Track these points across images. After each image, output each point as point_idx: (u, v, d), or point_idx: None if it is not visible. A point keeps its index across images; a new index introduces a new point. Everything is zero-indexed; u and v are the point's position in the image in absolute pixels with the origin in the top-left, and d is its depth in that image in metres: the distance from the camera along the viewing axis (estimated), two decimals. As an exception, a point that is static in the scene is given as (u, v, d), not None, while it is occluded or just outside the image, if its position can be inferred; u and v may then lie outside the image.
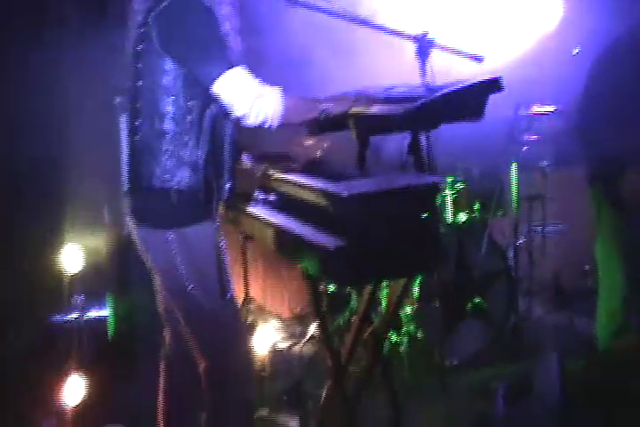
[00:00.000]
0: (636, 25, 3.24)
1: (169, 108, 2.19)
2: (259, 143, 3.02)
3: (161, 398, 2.54)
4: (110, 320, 3.86)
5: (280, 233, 2.26)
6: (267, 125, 2.19)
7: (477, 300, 3.79)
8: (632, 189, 3.14)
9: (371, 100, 2.29)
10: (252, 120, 2.17)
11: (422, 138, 2.32)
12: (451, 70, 2.38)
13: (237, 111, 2.15)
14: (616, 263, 3.29)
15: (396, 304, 2.51)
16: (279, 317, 4.59)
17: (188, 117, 2.20)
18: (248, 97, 2.13)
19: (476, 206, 4.00)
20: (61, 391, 3.17)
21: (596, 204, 3.38)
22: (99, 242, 3.88)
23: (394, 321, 3.39)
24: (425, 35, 2.34)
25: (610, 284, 3.34)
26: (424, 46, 2.33)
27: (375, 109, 2.23)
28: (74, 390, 3.21)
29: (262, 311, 4.63)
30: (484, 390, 1.74)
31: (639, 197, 3.14)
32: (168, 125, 2.20)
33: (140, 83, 2.23)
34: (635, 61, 3.08)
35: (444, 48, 2.37)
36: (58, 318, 3.71)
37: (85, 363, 3.45)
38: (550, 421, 1.51)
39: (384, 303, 3.67)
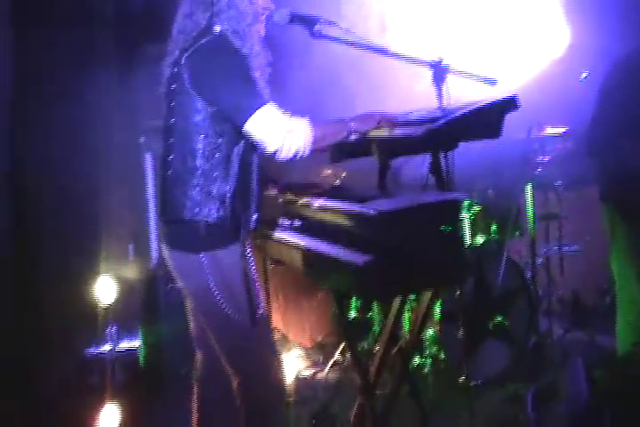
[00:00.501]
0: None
1: (200, 146, 2.29)
2: (282, 172, 3.12)
3: (194, 421, 2.59)
4: (142, 351, 3.92)
5: (308, 254, 2.35)
6: (298, 157, 2.28)
7: (499, 319, 3.83)
8: None
9: (392, 122, 2.38)
10: (284, 155, 2.26)
11: (442, 158, 2.41)
12: (466, 94, 2.47)
13: (270, 148, 2.24)
14: (633, 277, 3.35)
15: (422, 323, 2.57)
16: (301, 346, 4.63)
17: (217, 154, 2.30)
18: (279, 133, 2.22)
19: (493, 228, 4.06)
20: (96, 422, 3.21)
21: (609, 220, 3.45)
22: (130, 274, 3.97)
23: (418, 342, 3.43)
24: (440, 61, 2.44)
25: (628, 297, 3.40)
26: (439, 72, 2.43)
27: (397, 132, 2.34)
28: (108, 420, 3.25)
29: (285, 341, 4.69)
30: (512, 397, 1.79)
31: None
32: (199, 162, 2.29)
33: (173, 120, 2.35)
34: (637, 82, 3.18)
35: (458, 73, 2.47)
36: (92, 349, 3.76)
37: (119, 393, 3.49)
38: (575, 423, 1.56)
39: (407, 326, 3.73)
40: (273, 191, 2.80)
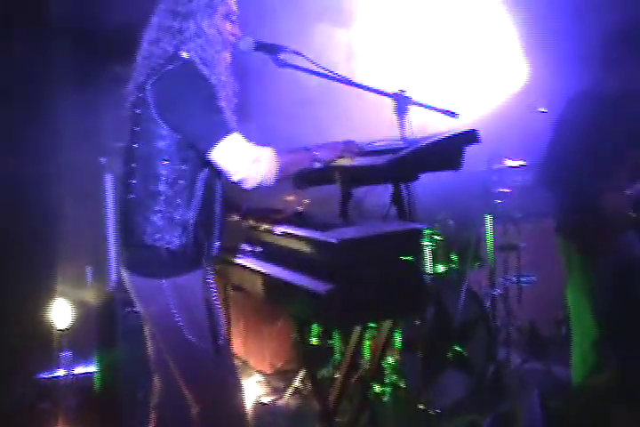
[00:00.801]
0: (593, 84, 3.45)
1: (163, 171, 2.28)
2: (245, 197, 3.13)
3: (153, 447, 2.56)
4: (97, 376, 3.85)
5: (270, 281, 2.35)
6: (264, 186, 2.28)
7: (457, 348, 3.86)
8: (611, 210, 3.28)
9: (355, 151, 2.42)
10: (250, 183, 2.25)
11: (403, 188, 2.45)
12: (427, 125, 2.52)
13: (235, 177, 2.24)
14: (586, 308, 3.42)
15: (382, 352, 2.58)
16: (261, 372, 4.60)
17: (181, 181, 2.29)
18: (245, 162, 2.22)
19: (454, 258, 4.11)
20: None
21: (564, 252, 3.53)
22: (87, 297, 3.90)
23: (378, 370, 3.44)
24: (402, 92, 2.50)
25: (581, 328, 3.46)
26: (402, 103, 2.48)
27: (359, 161, 2.37)
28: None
29: (245, 367, 4.65)
30: (470, 426, 1.80)
31: (618, 217, 3.28)
32: (162, 187, 2.28)
33: (136, 145, 2.34)
34: (592, 118, 3.27)
35: (420, 104, 2.52)
36: (45, 374, 3.68)
37: (72, 419, 3.41)
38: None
39: (367, 354, 3.73)
40: (235, 217, 2.80)
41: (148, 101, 2.27)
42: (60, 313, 3.27)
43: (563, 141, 3.38)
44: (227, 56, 2.38)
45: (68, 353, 3.34)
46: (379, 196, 2.66)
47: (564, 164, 3.34)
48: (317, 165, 2.43)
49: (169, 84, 2.25)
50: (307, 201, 4.37)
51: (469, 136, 2.23)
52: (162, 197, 2.28)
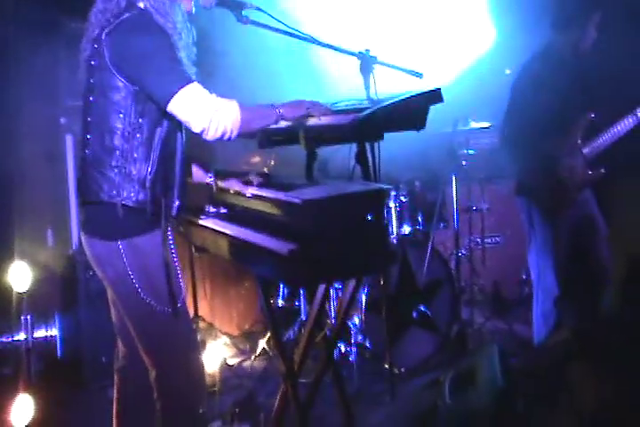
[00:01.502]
0: (554, 40, 3.47)
1: (119, 125, 2.22)
2: (208, 159, 3.09)
3: (115, 410, 2.54)
4: (59, 340, 3.82)
5: (234, 242, 2.33)
6: (226, 137, 2.23)
7: (422, 308, 3.91)
8: (568, 169, 3.36)
9: (321, 110, 2.38)
10: (211, 134, 2.19)
11: (368, 149, 2.43)
12: (393, 86, 2.49)
13: (196, 127, 2.18)
14: (548, 267, 3.48)
15: (345, 311, 2.59)
16: (228, 334, 4.61)
17: (139, 135, 2.23)
18: (205, 112, 2.16)
19: (419, 218, 4.13)
20: (10, 412, 3.11)
21: (526, 213, 3.58)
22: (48, 260, 3.85)
23: (342, 329, 3.47)
24: (367, 51, 2.46)
25: (543, 286, 3.53)
26: (367, 62, 2.45)
27: (324, 120, 2.34)
28: (22, 411, 3.15)
29: (211, 329, 4.66)
30: (432, 383, 1.83)
31: (575, 176, 3.37)
32: (117, 142, 2.22)
33: (92, 98, 2.27)
34: (547, 77, 3.32)
35: (385, 64, 2.49)
36: (4, 338, 3.64)
37: (34, 384, 3.39)
38: (491, 410, 1.61)
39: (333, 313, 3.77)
40: (199, 178, 2.75)
41: (103, 52, 2.19)
42: (20, 276, 3.21)
43: (520, 103, 3.41)
44: (185, 8, 2.31)
45: (29, 316, 3.30)
46: (344, 157, 2.64)
47: (521, 125, 3.37)
48: (282, 123, 2.39)
49: (124, 32, 2.18)
50: (273, 162, 4.35)
51: (433, 95, 2.20)
52: (118, 152, 2.22)
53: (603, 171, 3.44)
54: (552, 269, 3.48)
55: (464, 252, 4.56)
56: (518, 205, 3.65)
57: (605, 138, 3.43)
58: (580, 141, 3.42)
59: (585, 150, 3.42)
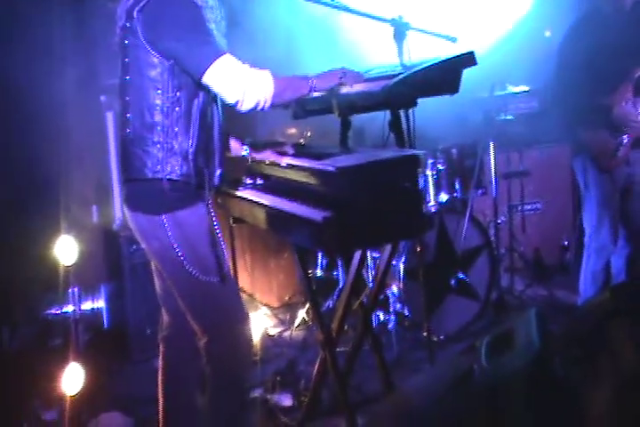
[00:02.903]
0: (598, 4, 3.47)
1: (158, 101, 2.24)
2: (246, 132, 3.10)
3: (160, 379, 2.61)
4: (105, 311, 3.93)
5: (270, 212, 2.36)
6: (259, 108, 2.25)
7: (460, 276, 3.91)
8: (622, 117, 3.40)
9: (354, 78, 2.37)
10: (245, 106, 2.22)
11: (403, 116, 2.42)
12: (428, 52, 2.47)
13: (230, 99, 2.21)
14: (605, 223, 3.52)
15: (382, 278, 2.61)
16: (268, 306, 4.68)
17: (177, 109, 2.25)
18: (239, 84, 2.19)
19: (457, 186, 4.10)
20: (60, 381, 3.22)
21: (582, 172, 3.60)
22: (94, 235, 3.93)
23: (381, 296, 3.49)
24: (400, 18, 2.44)
25: (597, 246, 3.57)
26: (400, 28, 2.42)
27: (356, 88, 2.33)
28: (72, 379, 3.25)
29: (252, 300, 4.73)
30: (469, 349, 1.83)
31: (630, 123, 3.41)
32: (158, 117, 2.25)
33: (128, 77, 2.30)
34: (596, 35, 3.34)
35: (419, 30, 2.46)
36: (53, 310, 3.75)
37: (82, 354, 3.49)
38: (526, 372, 1.60)
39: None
40: (235, 151, 2.78)
41: (136, 29, 2.22)
42: (67, 250, 3.29)
43: (570, 63, 3.42)
44: None
45: (76, 289, 3.38)
46: (381, 125, 2.64)
47: (573, 84, 3.40)
48: (315, 93, 2.39)
49: (155, 8, 2.19)
50: (309, 133, 4.35)
51: (466, 58, 2.17)
52: (159, 128, 2.26)
53: None
54: (609, 226, 3.52)
55: (503, 219, 4.52)
56: (575, 167, 3.68)
57: None
58: (631, 94, 3.41)
59: (636, 102, 3.41)
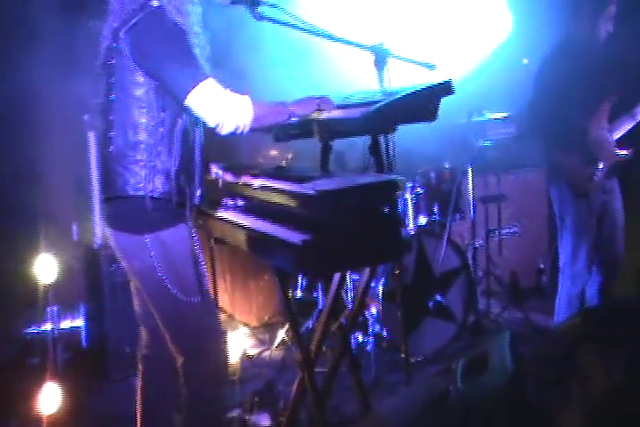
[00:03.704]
0: (573, 32, 3.56)
1: (142, 120, 2.29)
2: (226, 154, 3.14)
3: (139, 397, 2.62)
4: (84, 330, 3.91)
5: (250, 234, 2.38)
6: (239, 132, 2.31)
7: (438, 298, 3.95)
8: (597, 145, 3.49)
9: (333, 104, 2.44)
10: (225, 129, 2.28)
11: (382, 141, 2.48)
12: (408, 79, 2.53)
13: (211, 122, 2.26)
14: (581, 251, 3.56)
15: (360, 300, 2.64)
16: (248, 325, 4.68)
17: (161, 128, 2.30)
18: (220, 108, 2.25)
19: (435, 209, 4.17)
20: (38, 401, 3.20)
21: (559, 200, 3.66)
22: (73, 253, 3.93)
23: (360, 317, 3.52)
24: (381, 45, 2.50)
25: (573, 272, 3.61)
26: (380, 55, 2.49)
27: (337, 113, 2.38)
28: (50, 399, 3.24)
29: (231, 321, 4.73)
30: (445, 370, 1.86)
31: (604, 152, 3.49)
32: (142, 136, 2.29)
33: (113, 96, 2.33)
34: (572, 62, 3.44)
35: (398, 57, 2.52)
36: (32, 328, 3.73)
37: (61, 373, 3.48)
38: (501, 394, 1.64)
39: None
40: (216, 171, 2.82)
41: (123, 50, 2.27)
42: (46, 268, 3.30)
43: (546, 92, 3.50)
44: (198, 7, 2.37)
45: (55, 308, 3.38)
46: (361, 150, 2.69)
47: (550, 113, 3.47)
48: (294, 120, 2.45)
49: (142, 29, 2.24)
50: (290, 156, 4.40)
51: (444, 87, 2.23)
52: (142, 146, 2.29)
53: (630, 151, 3.52)
54: (585, 255, 3.56)
55: (481, 242, 4.58)
56: (551, 194, 3.74)
57: (628, 119, 3.52)
58: (606, 123, 3.51)
59: (611, 130, 3.49)
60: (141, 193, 2.29)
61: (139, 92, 2.28)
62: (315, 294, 4.23)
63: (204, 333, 2.43)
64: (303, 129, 2.61)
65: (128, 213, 2.36)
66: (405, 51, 2.58)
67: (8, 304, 3.71)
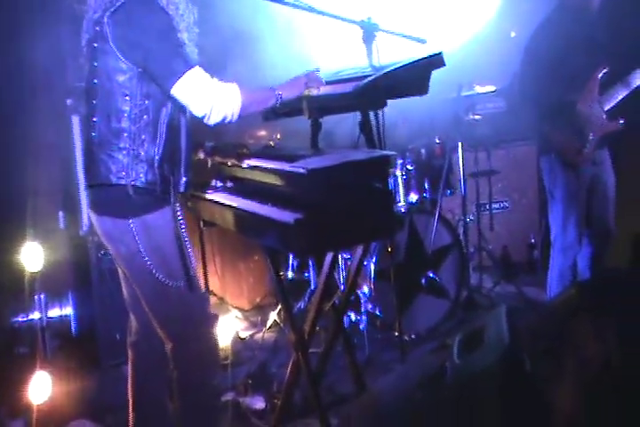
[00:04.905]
0: (560, 4, 3.52)
1: (125, 107, 2.22)
2: (214, 135, 3.08)
3: (130, 385, 2.59)
4: (73, 318, 3.87)
5: (240, 214, 2.34)
6: (227, 121, 2.25)
7: (430, 275, 3.93)
8: (585, 117, 3.47)
9: (321, 80, 2.38)
10: (213, 119, 2.23)
11: (372, 117, 2.43)
12: (397, 54, 2.48)
13: (198, 112, 2.21)
14: (571, 223, 3.55)
15: (353, 279, 2.62)
16: (239, 308, 4.66)
17: (145, 117, 2.24)
18: (207, 98, 2.19)
19: (426, 186, 4.13)
20: (27, 390, 3.17)
21: (549, 172, 3.63)
22: (58, 241, 3.87)
23: (352, 296, 3.49)
24: (369, 19, 2.44)
25: (564, 245, 3.59)
26: (369, 30, 2.43)
27: (326, 90, 2.33)
28: (39, 388, 3.20)
29: (223, 304, 4.71)
30: (440, 346, 1.84)
31: (593, 123, 3.46)
32: (125, 124, 2.23)
33: (96, 81, 2.27)
34: (562, 32, 3.40)
35: (387, 31, 2.47)
36: (20, 317, 3.68)
37: (50, 361, 3.44)
38: (497, 368, 1.62)
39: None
40: (204, 152, 2.76)
41: (106, 35, 2.19)
42: (32, 256, 3.24)
43: (537, 60, 3.46)
44: None
45: (42, 296, 3.33)
46: (350, 126, 2.64)
47: (540, 81, 3.43)
48: (280, 103, 2.39)
49: (126, 14, 2.17)
50: (278, 135, 4.35)
51: (435, 60, 2.19)
52: (125, 134, 2.24)
53: (621, 122, 3.48)
54: (574, 227, 3.55)
55: (472, 218, 4.56)
56: (542, 166, 3.71)
57: (622, 88, 3.48)
58: (597, 93, 3.47)
59: (601, 100, 3.47)
60: (124, 182, 2.24)
61: (122, 79, 2.21)
62: (306, 275, 4.20)
63: (192, 317, 2.40)
64: (292, 107, 2.56)
65: (111, 199, 2.31)
66: (394, 25, 2.53)
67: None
